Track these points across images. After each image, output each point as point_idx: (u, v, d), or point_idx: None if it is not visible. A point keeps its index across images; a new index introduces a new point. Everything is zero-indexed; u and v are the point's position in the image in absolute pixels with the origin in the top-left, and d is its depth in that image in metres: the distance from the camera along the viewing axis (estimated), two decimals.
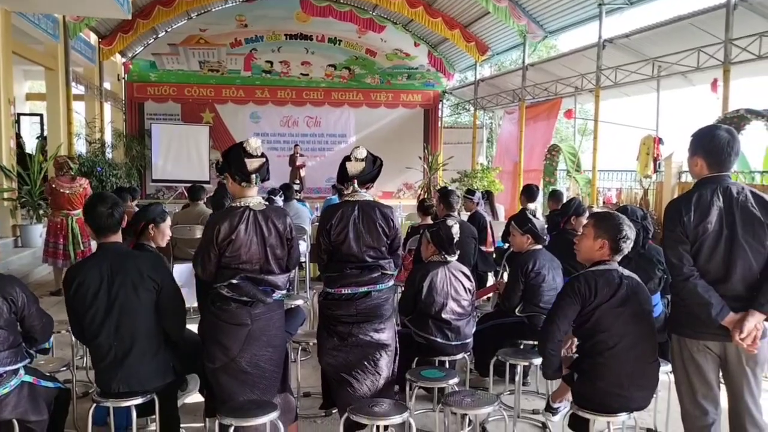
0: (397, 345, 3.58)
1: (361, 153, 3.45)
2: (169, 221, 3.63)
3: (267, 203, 3.23)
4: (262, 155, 3.14)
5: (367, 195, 3.47)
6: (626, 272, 3.03)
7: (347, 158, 3.48)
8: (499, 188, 13.53)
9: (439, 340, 3.84)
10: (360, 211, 3.38)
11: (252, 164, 3.10)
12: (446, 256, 3.97)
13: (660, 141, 10.11)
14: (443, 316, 3.85)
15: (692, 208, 2.80)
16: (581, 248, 3.13)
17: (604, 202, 11.18)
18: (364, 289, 3.39)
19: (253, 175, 3.10)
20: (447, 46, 16.92)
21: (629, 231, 3.02)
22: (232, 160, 3.13)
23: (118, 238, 3.14)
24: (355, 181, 3.44)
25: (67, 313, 3.14)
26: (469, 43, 14.98)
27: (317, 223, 8.71)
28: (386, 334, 3.47)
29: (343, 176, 3.47)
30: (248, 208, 3.12)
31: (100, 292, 2.98)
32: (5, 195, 8.95)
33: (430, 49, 17.60)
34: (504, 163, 15.32)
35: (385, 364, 3.48)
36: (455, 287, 3.92)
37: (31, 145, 13.31)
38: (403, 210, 11.89)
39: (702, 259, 2.81)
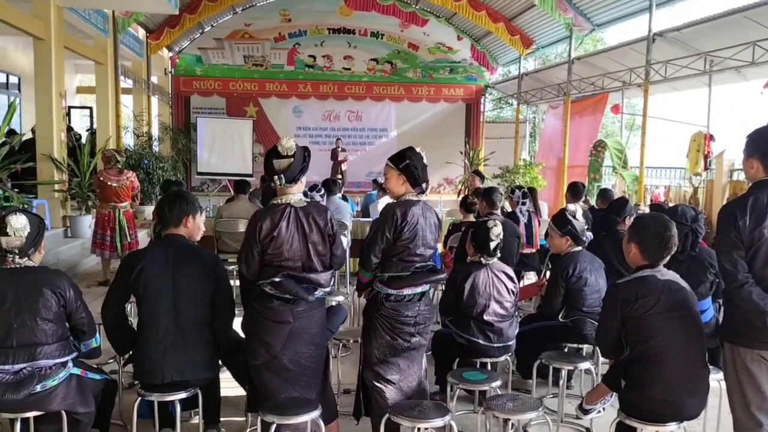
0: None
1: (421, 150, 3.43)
2: (203, 217, 3.57)
3: (308, 200, 3.24)
4: (293, 155, 3.11)
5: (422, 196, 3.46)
6: (671, 276, 2.93)
7: (422, 159, 3.39)
8: (542, 184, 13.33)
9: (481, 341, 3.79)
10: (423, 210, 3.40)
11: (279, 164, 3.10)
12: (482, 258, 3.91)
13: (711, 138, 9.81)
14: (485, 317, 3.80)
15: (748, 212, 2.70)
16: (625, 252, 3.06)
17: (651, 200, 10.90)
18: (420, 289, 3.39)
19: (277, 176, 3.10)
20: (490, 39, 16.71)
21: (668, 236, 2.89)
22: (267, 158, 3.16)
23: (180, 232, 3.29)
24: (424, 184, 3.42)
25: (111, 297, 3.23)
26: (513, 36, 14.76)
27: (359, 219, 8.80)
28: (428, 337, 3.51)
29: (425, 177, 3.41)
30: (289, 205, 3.13)
31: (164, 277, 3.13)
32: (56, 186, 9.21)
33: (473, 42, 17.42)
34: (547, 158, 15.08)
35: (422, 366, 3.52)
36: (498, 288, 3.86)
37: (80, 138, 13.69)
38: (444, 205, 11.82)
39: (758, 266, 2.71)
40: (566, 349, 4.16)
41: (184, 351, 3.14)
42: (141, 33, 14.29)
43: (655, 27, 10.19)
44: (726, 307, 2.96)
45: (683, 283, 2.95)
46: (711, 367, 3.10)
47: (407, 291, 3.35)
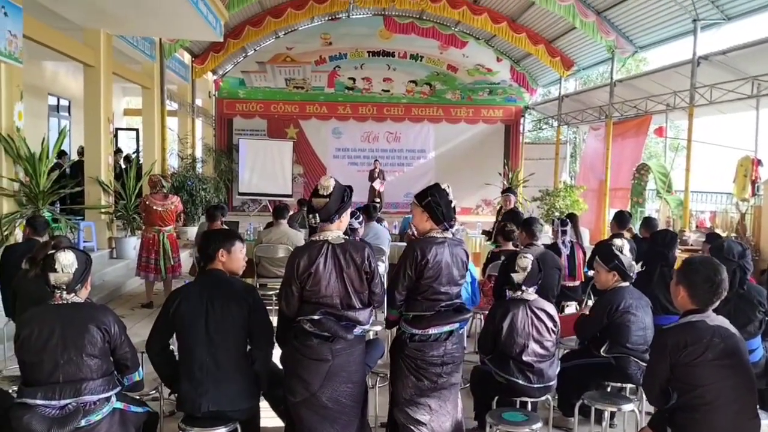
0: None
1: (450, 189, 3.42)
2: (241, 246, 3.52)
3: (346, 237, 3.25)
4: (329, 195, 3.13)
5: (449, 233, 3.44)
6: (721, 322, 2.83)
7: (447, 196, 3.38)
8: (583, 208, 13.13)
9: (520, 381, 3.72)
10: (449, 248, 3.38)
11: (317, 203, 3.15)
12: (511, 292, 3.85)
13: (759, 162, 9.54)
14: (524, 358, 3.72)
15: None
16: (672, 294, 2.97)
17: (697, 226, 10.64)
18: (447, 328, 3.35)
19: (311, 215, 3.14)
20: (530, 60, 16.64)
21: (719, 280, 2.79)
22: (309, 196, 3.21)
23: (217, 266, 3.39)
24: (449, 221, 3.42)
25: (155, 334, 3.34)
26: (553, 58, 14.68)
27: (396, 243, 8.79)
28: (459, 374, 3.47)
29: (451, 215, 3.40)
30: (327, 241, 3.16)
31: (198, 311, 3.22)
32: (103, 209, 9.46)
33: (512, 64, 17.38)
34: (588, 181, 14.86)
35: (455, 404, 3.48)
36: (537, 327, 3.77)
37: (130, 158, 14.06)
38: (482, 227, 11.73)
39: None
40: (609, 389, 4.06)
41: (219, 382, 3.20)
42: (186, 57, 14.67)
43: (699, 50, 10.02)
44: None
45: (733, 329, 2.85)
46: (761, 411, 2.99)
47: (432, 330, 3.33)
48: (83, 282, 3.01)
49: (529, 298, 3.81)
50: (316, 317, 3.09)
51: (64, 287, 2.93)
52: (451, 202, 3.38)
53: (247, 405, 3.30)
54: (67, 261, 2.92)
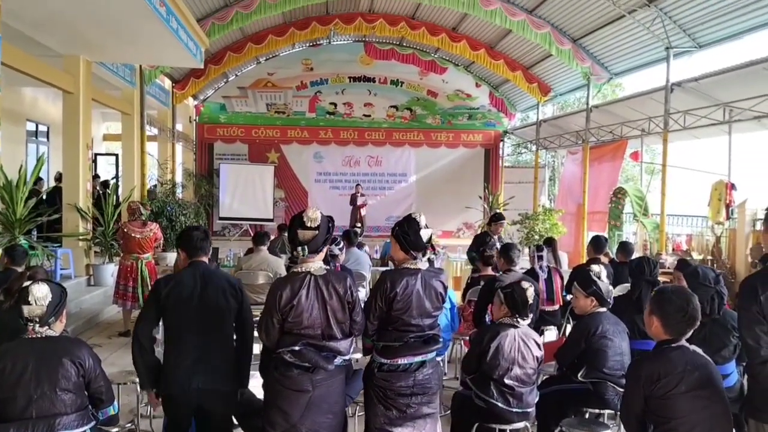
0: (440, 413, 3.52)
1: (424, 218, 3.44)
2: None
3: (327, 267, 3.26)
4: (317, 227, 3.13)
5: (425, 262, 3.46)
6: (694, 350, 2.86)
7: (416, 226, 3.38)
8: (561, 231, 13.26)
9: (500, 405, 3.71)
10: (422, 280, 3.37)
11: (303, 235, 3.13)
12: (519, 319, 3.87)
13: (733, 186, 9.74)
14: (506, 381, 3.72)
15: None
16: (646, 324, 3.00)
17: (673, 249, 10.79)
18: (419, 358, 3.35)
19: (300, 247, 3.14)
20: (508, 86, 16.90)
21: (691, 309, 2.82)
22: (291, 227, 3.20)
23: (206, 259, 3.61)
24: (428, 246, 3.44)
25: (147, 315, 3.47)
26: (531, 84, 14.93)
27: (378, 268, 8.79)
28: (435, 404, 3.44)
29: (419, 245, 3.39)
30: (309, 273, 3.16)
31: (194, 294, 3.40)
32: (80, 236, 9.36)
33: (491, 89, 17.63)
34: (567, 204, 15.03)
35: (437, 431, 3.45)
36: (523, 353, 3.77)
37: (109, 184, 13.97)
38: (463, 251, 11.77)
39: None
40: (587, 415, 4.08)
41: (209, 362, 3.37)
42: (167, 83, 14.68)
43: (673, 77, 10.26)
44: (749, 383, 2.88)
45: (706, 358, 2.86)
46: None
47: (402, 360, 3.32)
48: (57, 315, 2.98)
49: (522, 324, 3.82)
50: (296, 348, 3.07)
51: (38, 320, 2.90)
52: (419, 231, 3.37)
53: (232, 386, 3.47)
54: (40, 294, 2.89)
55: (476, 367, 3.86)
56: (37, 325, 2.91)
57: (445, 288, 3.48)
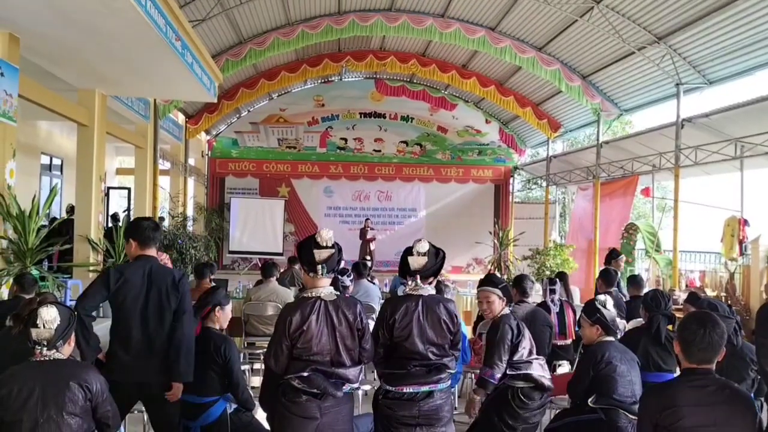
0: None
1: (423, 246, 3.43)
2: (230, 305, 4.05)
3: (338, 294, 3.24)
4: (333, 246, 3.16)
5: (430, 289, 3.42)
6: (724, 385, 2.67)
7: (409, 251, 3.44)
8: (573, 267, 13.15)
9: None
10: (424, 306, 3.33)
11: (320, 255, 3.14)
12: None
13: (746, 222, 9.67)
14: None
15: None
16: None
17: (687, 285, 10.65)
18: (426, 388, 3.28)
19: (320, 266, 3.13)
20: (518, 122, 17.00)
21: (704, 334, 2.69)
22: (303, 250, 3.19)
23: (154, 253, 3.81)
24: (418, 276, 3.41)
25: (93, 296, 3.65)
26: (541, 120, 15.01)
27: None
28: None
29: (405, 270, 3.43)
30: (319, 298, 3.14)
31: (140, 295, 3.61)
32: (91, 267, 9.37)
33: (501, 125, 17.73)
34: (578, 240, 14.95)
35: None
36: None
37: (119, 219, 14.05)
38: (473, 286, 11.68)
39: None
40: None
41: (149, 358, 3.58)
42: (180, 118, 14.87)
43: (683, 113, 10.28)
44: None
45: (738, 393, 2.70)
46: None
47: (407, 389, 3.27)
48: (65, 338, 2.95)
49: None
50: (305, 374, 3.04)
51: (45, 343, 2.87)
52: (408, 257, 3.40)
53: (164, 378, 3.61)
54: (49, 317, 2.87)
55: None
56: (45, 348, 2.89)
57: (454, 315, 3.41)
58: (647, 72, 11.14)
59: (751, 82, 13.61)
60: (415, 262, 3.40)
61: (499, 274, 6.28)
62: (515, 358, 3.97)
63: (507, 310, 4.17)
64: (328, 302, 3.14)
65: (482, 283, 4.24)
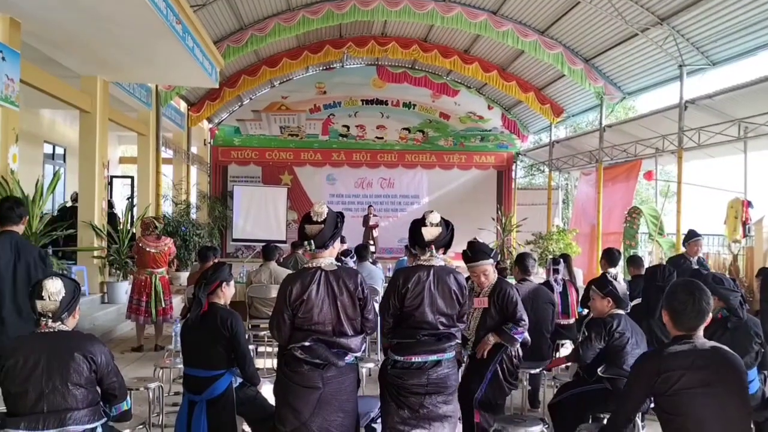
0: (460, 416, 3.46)
1: (436, 217, 3.44)
2: (234, 281, 4.09)
3: (339, 264, 3.25)
4: (322, 222, 3.14)
5: (441, 260, 3.43)
6: (714, 348, 2.76)
7: (421, 223, 3.45)
8: (576, 251, 13.14)
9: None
10: (435, 276, 3.34)
11: (311, 230, 3.14)
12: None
13: (749, 204, 9.63)
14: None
15: None
16: (664, 320, 2.94)
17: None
18: (434, 357, 3.30)
19: (306, 241, 3.13)
20: (521, 108, 16.95)
21: (696, 301, 2.73)
22: (301, 224, 3.21)
23: (17, 230, 4.13)
24: (432, 246, 3.41)
25: None
26: (543, 105, 14.96)
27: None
28: (453, 405, 3.38)
29: (419, 241, 3.44)
30: (320, 268, 3.15)
31: (9, 265, 3.96)
32: (95, 253, 9.42)
33: (503, 111, 17.68)
34: (581, 225, 14.93)
35: None
36: None
37: (121, 206, 14.10)
38: None
39: None
40: (605, 421, 3.98)
41: (18, 327, 3.85)
42: (183, 106, 14.87)
43: (686, 94, 10.23)
44: None
45: (728, 355, 2.75)
46: None
47: (416, 358, 3.28)
48: (71, 311, 2.97)
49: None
50: (307, 344, 3.05)
51: (50, 315, 2.89)
52: (421, 228, 3.40)
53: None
54: (54, 288, 2.88)
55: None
56: (50, 320, 2.90)
57: (463, 287, 3.42)
58: (650, 54, 11.09)
59: (755, 62, 13.53)
60: (429, 233, 3.40)
61: (502, 264, 6.27)
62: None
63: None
64: (328, 272, 3.15)
65: (474, 256, 4.23)
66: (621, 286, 4.15)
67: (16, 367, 2.81)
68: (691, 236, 7.22)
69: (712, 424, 2.61)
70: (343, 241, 5.81)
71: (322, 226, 3.13)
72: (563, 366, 5.48)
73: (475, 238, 4.58)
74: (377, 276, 7.72)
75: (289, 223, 16.96)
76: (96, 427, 2.90)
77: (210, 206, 16.57)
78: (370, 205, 16.46)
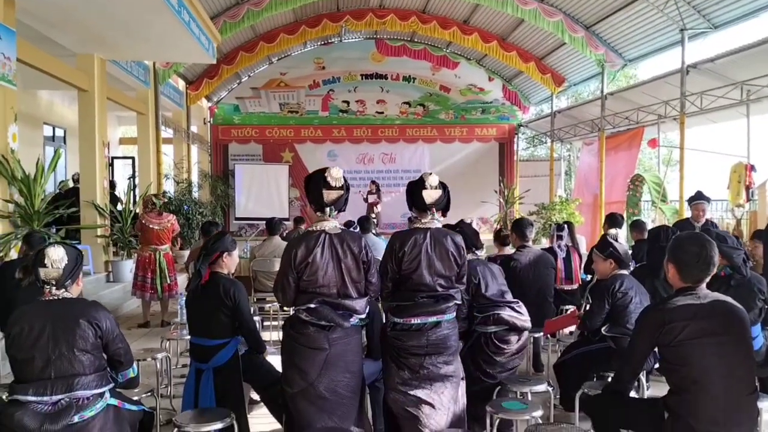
0: (463, 376, 3.47)
1: (435, 179, 3.43)
2: (237, 251, 3.97)
3: (342, 227, 3.25)
4: (342, 187, 3.16)
5: (438, 222, 3.42)
6: (715, 297, 2.78)
7: (420, 185, 3.43)
8: (579, 220, 13.14)
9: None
10: (432, 238, 3.33)
11: (329, 195, 3.14)
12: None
13: (752, 168, 9.58)
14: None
15: None
16: (665, 273, 2.94)
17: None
18: (433, 318, 3.30)
19: (328, 208, 3.13)
20: (522, 79, 16.81)
21: (706, 255, 2.74)
22: (312, 188, 3.19)
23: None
24: (434, 209, 3.40)
25: None
26: (544, 75, 14.84)
27: None
28: (454, 366, 3.38)
29: (419, 204, 3.42)
30: (324, 231, 3.15)
31: None
32: (98, 232, 9.44)
33: (504, 82, 17.54)
34: (583, 195, 14.91)
35: (454, 397, 3.39)
36: None
37: (123, 187, 14.10)
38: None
39: None
40: (610, 378, 4.01)
41: None
42: (181, 84, 14.79)
43: (688, 59, 10.13)
44: None
45: (732, 306, 2.77)
46: (762, 394, 2.94)
47: (415, 320, 3.28)
48: (74, 278, 2.98)
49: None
50: (312, 306, 3.07)
51: (54, 283, 2.90)
52: (422, 191, 3.38)
53: None
54: (56, 256, 2.89)
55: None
56: (53, 287, 2.92)
57: (461, 248, 3.41)
58: (651, 19, 10.96)
59: (757, 24, 13.35)
60: (429, 196, 3.38)
61: (504, 232, 6.25)
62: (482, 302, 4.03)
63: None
64: (332, 235, 3.15)
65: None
66: (622, 246, 4.15)
67: (21, 334, 2.83)
68: (695, 198, 6.87)
69: (716, 372, 2.64)
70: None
71: (341, 192, 3.15)
72: (567, 331, 5.52)
73: (461, 220, 4.51)
74: (380, 247, 7.69)
75: (292, 201, 16.96)
76: (104, 392, 2.93)
77: (212, 185, 16.57)
78: (373, 181, 16.37)
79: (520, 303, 4.14)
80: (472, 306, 4.05)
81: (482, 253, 4.25)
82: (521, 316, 3.99)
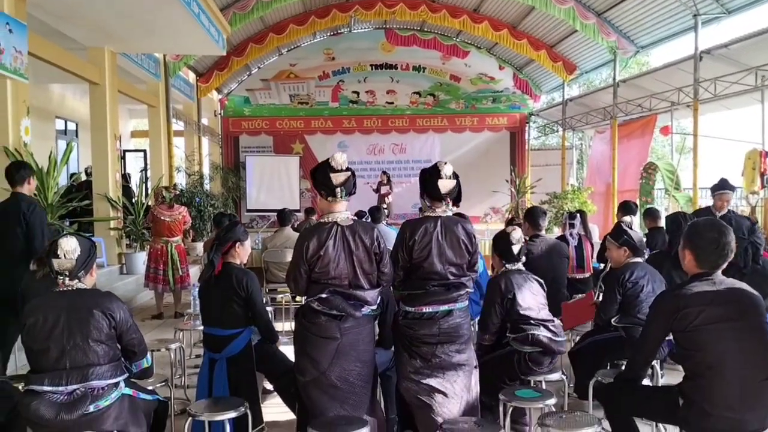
0: (477, 365, 3.45)
1: (450, 168, 3.41)
2: (249, 241, 4.00)
3: (354, 218, 3.25)
4: (347, 170, 3.17)
5: (448, 210, 3.41)
6: (731, 284, 2.76)
7: (435, 174, 3.40)
8: (591, 209, 13.05)
9: None
10: (443, 227, 3.31)
11: (337, 178, 3.14)
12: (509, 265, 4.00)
13: (767, 155, 9.47)
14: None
15: None
16: (681, 259, 2.93)
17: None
18: (445, 307, 3.29)
19: (338, 189, 3.13)
20: (533, 67, 16.70)
21: (724, 242, 2.72)
22: (319, 176, 3.19)
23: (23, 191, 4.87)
24: (449, 198, 3.38)
25: None
26: (555, 63, 14.73)
27: None
28: (467, 354, 3.37)
29: (434, 194, 3.39)
30: (336, 223, 3.15)
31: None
32: (111, 224, 9.50)
33: (515, 71, 17.43)
34: (596, 183, 14.81)
35: (467, 386, 3.37)
36: None
37: (136, 179, 14.19)
38: (490, 235, 11.68)
39: None
40: (623, 367, 3.99)
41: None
42: (191, 77, 14.82)
43: (701, 45, 10.01)
44: None
45: (747, 292, 2.76)
46: None
47: (426, 309, 3.27)
48: (87, 269, 2.99)
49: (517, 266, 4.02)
50: (324, 295, 3.08)
51: (67, 273, 2.92)
52: (437, 181, 3.33)
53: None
54: (69, 247, 2.91)
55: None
56: (67, 278, 2.93)
57: (472, 236, 3.40)
58: (664, 4, 10.82)
59: None
60: (445, 186, 3.34)
61: (517, 221, 6.22)
62: (515, 318, 3.84)
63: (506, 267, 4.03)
64: (344, 227, 3.14)
65: None
66: (637, 234, 4.13)
67: (36, 325, 2.85)
68: (719, 187, 5.95)
69: (731, 358, 2.63)
70: None
71: (348, 173, 3.16)
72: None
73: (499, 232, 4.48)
74: (391, 237, 7.64)
75: (303, 192, 16.98)
76: (119, 382, 2.95)
77: (223, 177, 16.62)
78: (384, 171, 16.33)
79: (555, 321, 3.97)
80: (504, 321, 3.91)
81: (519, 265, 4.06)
82: (557, 338, 3.83)
